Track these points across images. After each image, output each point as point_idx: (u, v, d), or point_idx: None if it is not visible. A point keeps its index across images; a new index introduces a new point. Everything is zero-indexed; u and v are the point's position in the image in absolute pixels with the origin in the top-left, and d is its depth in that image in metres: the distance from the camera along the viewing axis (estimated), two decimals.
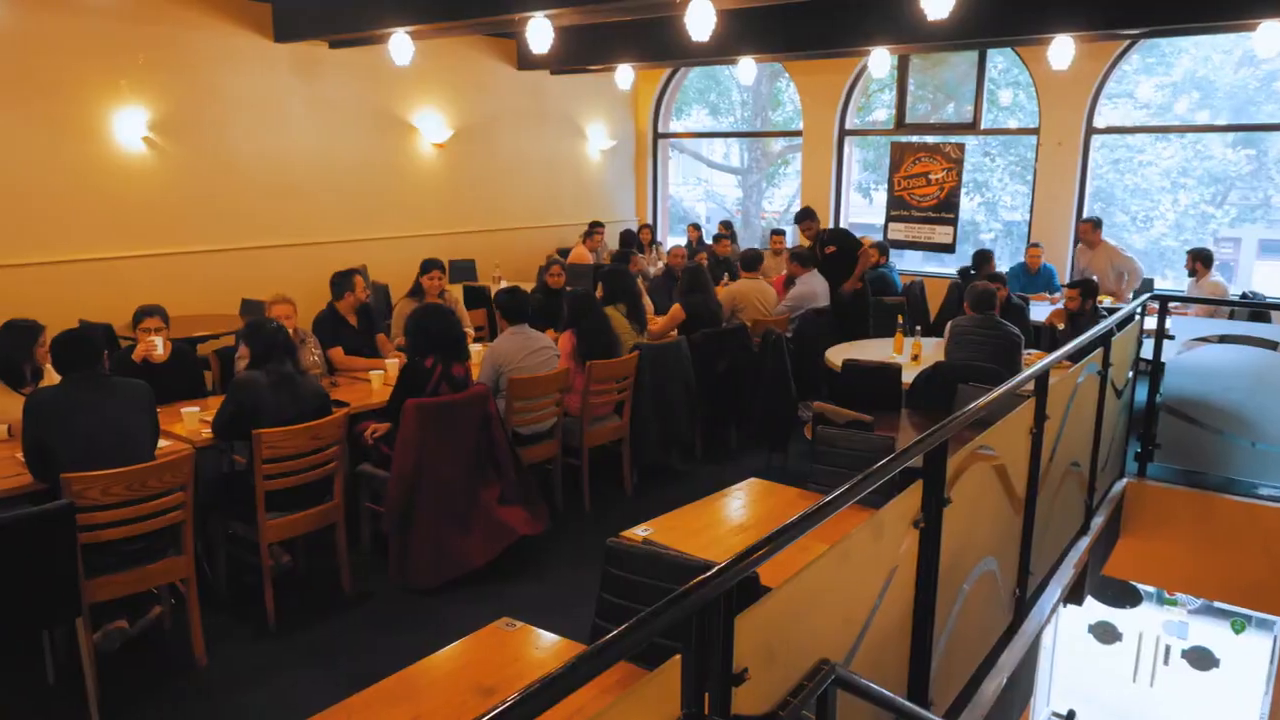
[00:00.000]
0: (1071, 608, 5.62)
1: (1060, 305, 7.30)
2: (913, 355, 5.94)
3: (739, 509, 3.60)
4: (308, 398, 4.18)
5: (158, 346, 4.68)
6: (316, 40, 8.29)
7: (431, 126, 9.53)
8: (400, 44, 7.26)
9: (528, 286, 8.11)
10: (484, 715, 1.33)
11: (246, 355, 4.34)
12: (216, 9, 7.71)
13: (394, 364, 5.20)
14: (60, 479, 3.30)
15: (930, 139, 10.23)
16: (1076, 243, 8.87)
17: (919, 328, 6.36)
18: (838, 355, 5.92)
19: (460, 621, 4.04)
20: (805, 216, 8.37)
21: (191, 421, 4.33)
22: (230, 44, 7.83)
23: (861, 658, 2.47)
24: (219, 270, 7.90)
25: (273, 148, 8.24)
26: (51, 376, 4.20)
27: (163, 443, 3.93)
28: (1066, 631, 9.02)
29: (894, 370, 5.19)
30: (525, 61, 10.27)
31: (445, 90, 9.65)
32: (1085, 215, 8.99)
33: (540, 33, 6.45)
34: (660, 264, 9.42)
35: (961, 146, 9.86)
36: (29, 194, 6.80)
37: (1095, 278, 7.37)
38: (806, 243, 7.74)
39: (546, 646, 2.48)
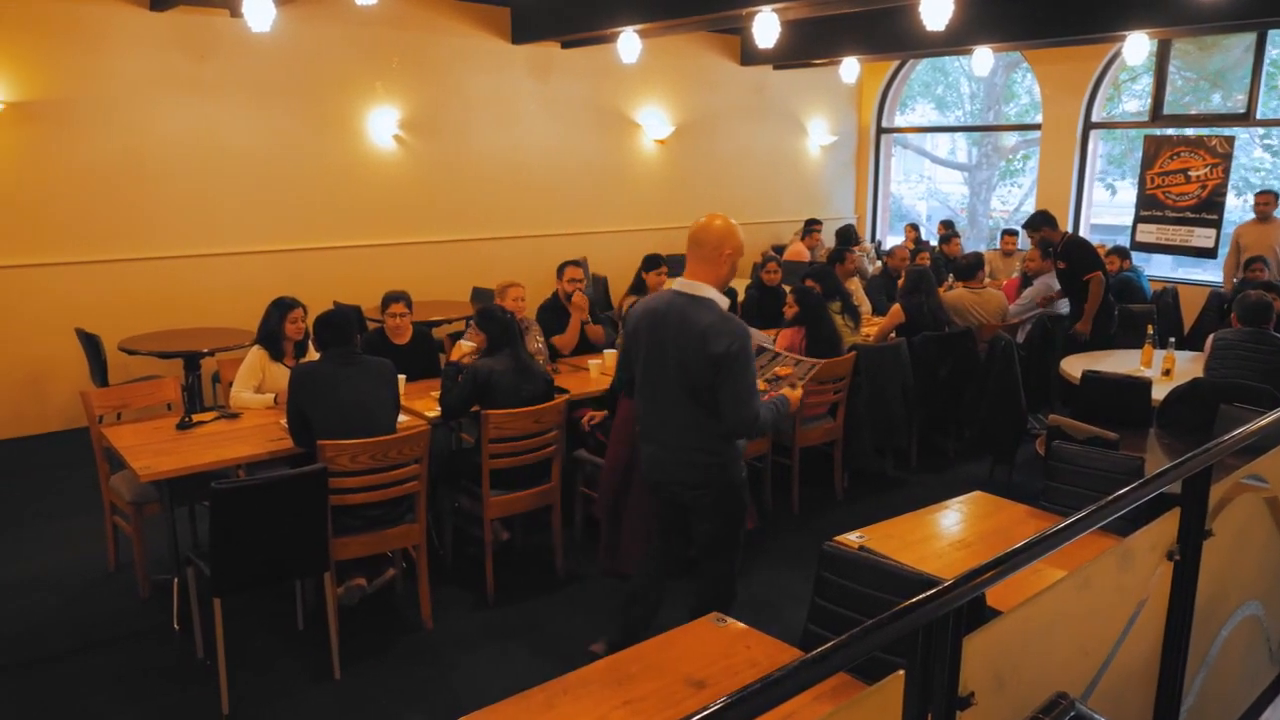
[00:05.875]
0: None
1: None
2: (1164, 369, 5.39)
3: (961, 523, 3.40)
4: (538, 381, 4.38)
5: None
6: (550, 41, 8.66)
7: (654, 123, 9.72)
8: (629, 42, 7.44)
9: (742, 282, 8.10)
10: (702, 710, 1.32)
11: (475, 339, 4.59)
12: (462, 13, 8.23)
13: (612, 354, 5.33)
14: (316, 445, 3.64)
15: (1192, 131, 9.25)
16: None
17: (1172, 340, 5.76)
18: (1076, 366, 5.48)
19: (666, 612, 4.09)
20: (1039, 224, 6.87)
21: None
22: (472, 46, 8.34)
23: (1100, 695, 2.27)
24: (453, 259, 8.44)
25: (506, 145, 8.70)
26: (314, 351, 4.64)
27: (401, 417, 4.24)
28: None
29: (1143, 385, 4.73)
30: (749, 57, 10.25)
31: (669, 87, 9.81)
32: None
33: (767, 27, 6.40)
34: (879, 263, 9.12)
35: (1230, 139, 8.85)
36: (297, 187, 7.57)
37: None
38: (1036, 255, 6.98)
39: (757, 645, 2.44)
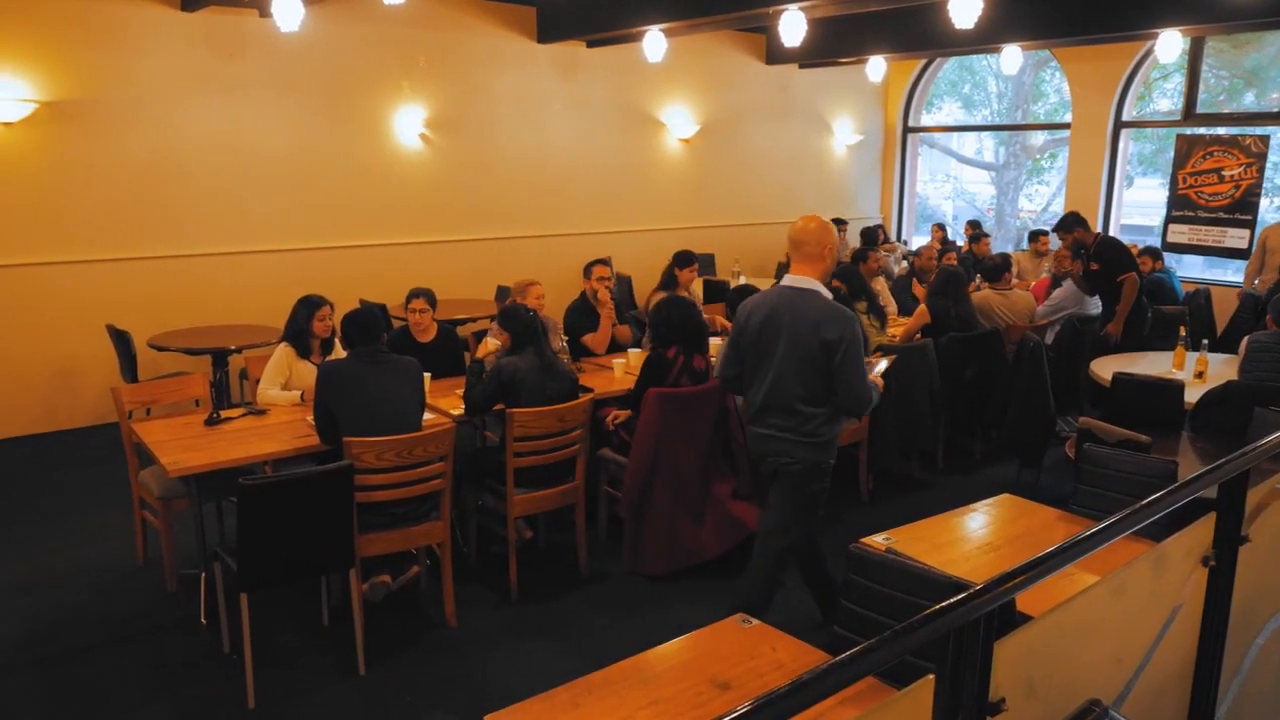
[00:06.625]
0: None
1: None
2: (1196, 372, 5.31)
3: (989, 525, 3.36)
4: (563, 380, 4.39)
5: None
6: (575, 40, 8.66)
7: (679, 122, 9.70)
8: (654, 41, 7.43)
9: (766, 282, 8.07)
10: (732, 712, 1.30)
11: (500, 338, 4.60)
12: (488, 13, 8.26)
13: (636, 353, 5.33)
14: (343, 442, 3.65)
15: (1225, 130, 9.11)
16: None
17: (1205, 342, 5.67)
18: (1106, 367, 5.41)
19: (690, 613, 4.09)
20: (1071, 225, 6.77)
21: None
22: (498, 45, 8.36)
23: (1133, 703, 2.23)
24: (478, 258, 8.47)
25: (531, 144, 8.71)
26: (341, 349, 4.66)
27: (426, 415, 4.25)
28: None
29: (1175, 388, 4.66)
30: (774, 55, 10.21)
31: (693, 86, 9.78)
32: None
33: (793, 26, 6.37)
34: (904, 263, 9.05)
35: (1265, 139, 8.70)
36: (324, 186, 7.62)
37: None
38: (1067, 254, 6.90)
39: (782, 647, 2.43)
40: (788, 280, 3.52)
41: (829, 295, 3.48)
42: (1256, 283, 7.66)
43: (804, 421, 3.46)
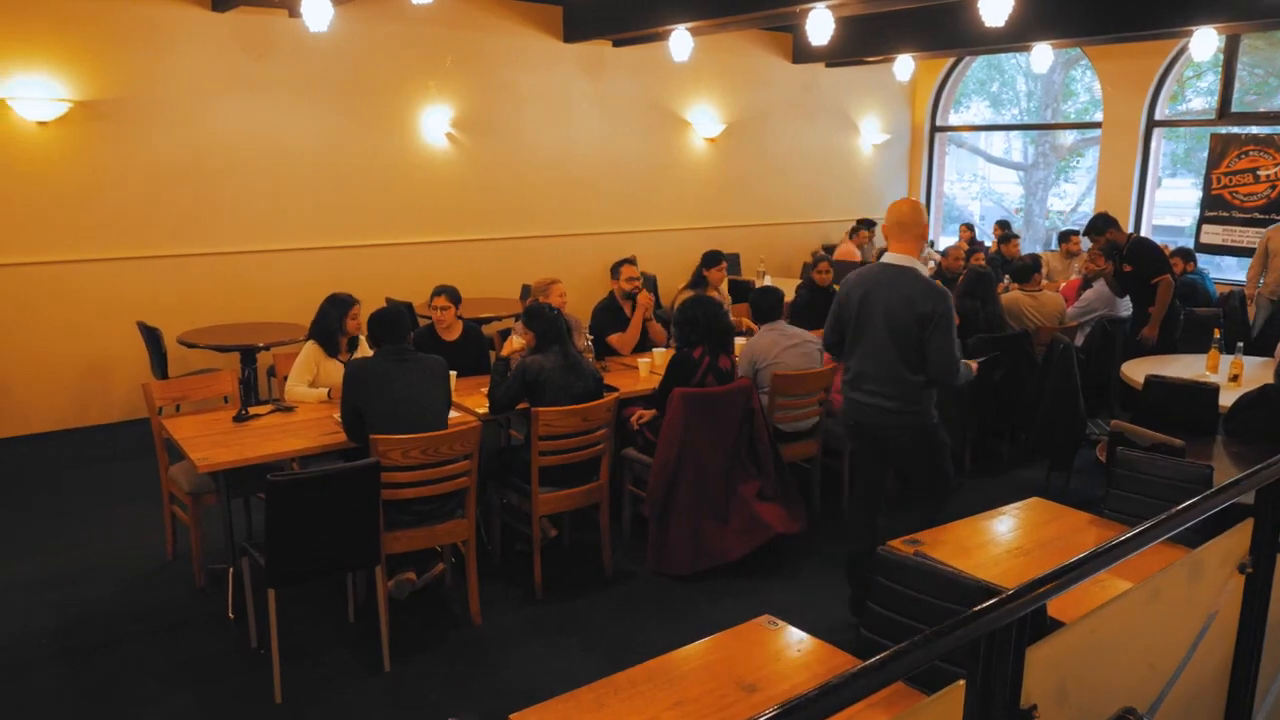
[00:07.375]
0: None
1: None
2: (1231, 375, 5.22)
3: (1018, 529, 3.32)
4: (588, 379, 4.38)
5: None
6: (602, 39, 8.66)
7: (704, 121, 9.67)
8: (680, 40, 7.41)
9: (791, 282, 8.04)
10: (759, 716, 1.29)
11: (523, 336, 4.59)
12: (515, 12, 8.28)
13: (661, 353, 5.32)
14: (369, 440, 3.67)
15: (1261, 129, 8.95)
16: None
17: (1240, 344, 5.57)
18: (1138, 370, 5.33)
19: (714, 613, 4.08)
20: (1103, 227, 6.57)
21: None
22: (524, 45, 8.38)
23: (1167, 711, 2.19)
24: (504, 256, 8.49)
25: (557, 143, 8.72)
26: (366, 348, 4.69)
27: (452, 414, 4.25)
28: None
29: (1209, 391, 4.58)
30: (801, 54, 10.16)
31: (719, 85, 9.75)
32: None
33: (820, 24, 6.32)
34: (930, 264, 8.97)
35: None
36: (351, 185, 7.66)
37: None
38: (1099, 254, 6.78)
39: (809, 650, 2.41)
40: (888, 258, 3.77)
41: (925, 272, 3.70)
42: (1261, 284, 7.50)
43: (902, 389, 3.69)
